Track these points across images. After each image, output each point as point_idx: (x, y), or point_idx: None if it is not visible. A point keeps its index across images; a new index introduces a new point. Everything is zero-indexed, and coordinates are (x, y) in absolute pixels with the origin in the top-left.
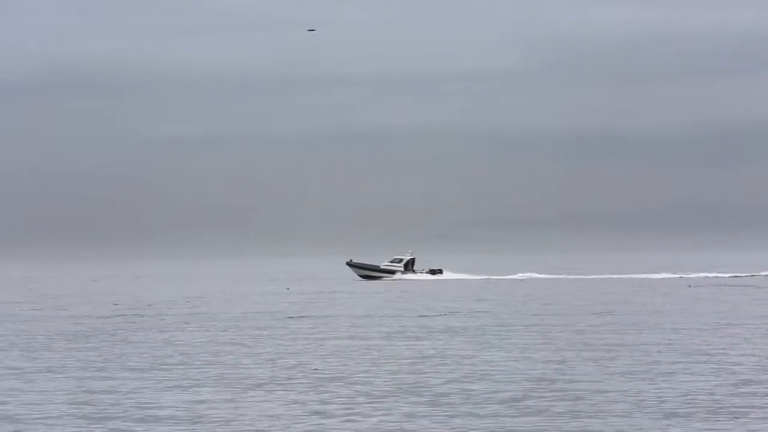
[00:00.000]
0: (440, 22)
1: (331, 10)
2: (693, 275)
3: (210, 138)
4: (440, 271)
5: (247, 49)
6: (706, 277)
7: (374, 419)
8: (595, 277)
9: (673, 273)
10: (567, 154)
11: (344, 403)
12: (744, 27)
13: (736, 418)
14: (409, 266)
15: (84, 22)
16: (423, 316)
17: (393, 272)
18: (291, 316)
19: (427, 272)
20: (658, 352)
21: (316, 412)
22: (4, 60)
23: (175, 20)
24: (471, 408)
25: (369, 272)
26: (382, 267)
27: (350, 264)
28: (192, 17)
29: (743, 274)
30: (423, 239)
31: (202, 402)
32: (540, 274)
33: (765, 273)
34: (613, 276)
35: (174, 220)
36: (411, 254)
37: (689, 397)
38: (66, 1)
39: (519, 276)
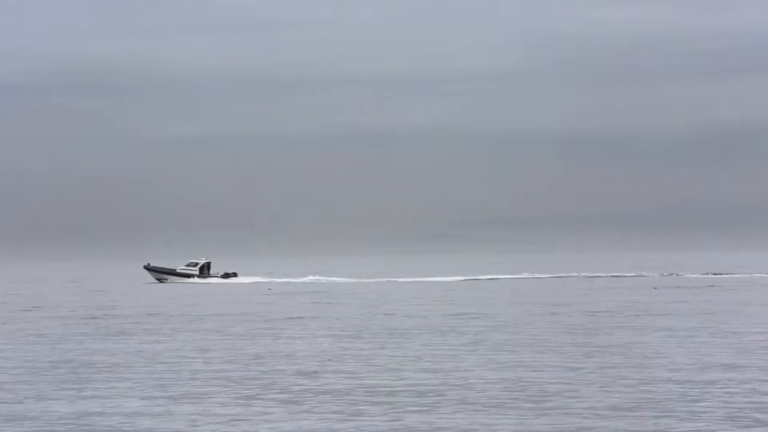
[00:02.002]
0: (440, 22)
1: (332, 10)
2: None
3: (210, 138)
4: (234, 275)
5: (247, 49)
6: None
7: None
8: (385, 280)
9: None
10: (567, 154)
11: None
12: (744, 27)
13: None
14: (204, 270)
15: (84, 22)
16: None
17: (189, 276)
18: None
19: (221, 276)
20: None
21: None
22: (4, 60)
23: (175, 20)
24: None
25: (166, 276)
26: (178, 270)
27: (147, 268)
28: (192, 17)
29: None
30: (423, 239)
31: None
32: (329, 277)
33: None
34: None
35: (174, 220)
36: (206, 258)
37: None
38: (66, 1)
39: (309, 278)
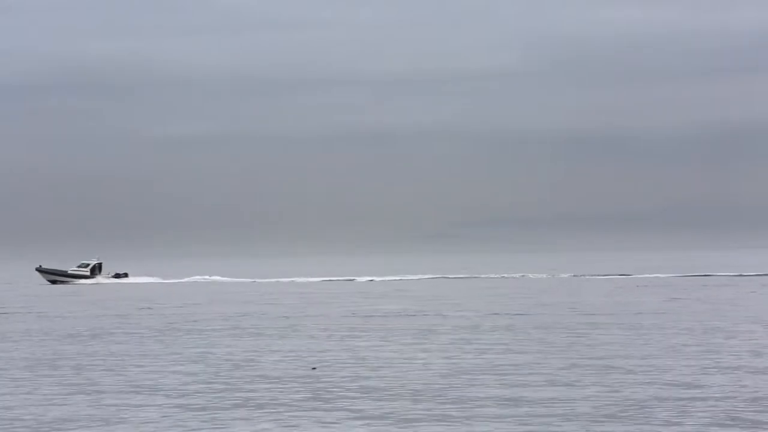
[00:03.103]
0: (441, 22)
1: (332, 10)
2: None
3: (210, 138)
4: (125, 275)
5: (247, 49)
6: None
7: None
8: (275, 280)
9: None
10: (567, 154)
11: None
12: (744, 27)
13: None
14: (95, 270)
15: (84, 22)
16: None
17: (81, 276)
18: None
19: (112, 276)
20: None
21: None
22: (4, 60)
23: (175, 20)
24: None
25: (57, 277)
26: (69, 272)
27: (39, 269)
28: (192, 17)
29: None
30: (423, 239)
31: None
32: (222, 277)
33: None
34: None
35: (174, 220)
36: (98, 259)
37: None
38: (66, 1)
39: (197, 278)
